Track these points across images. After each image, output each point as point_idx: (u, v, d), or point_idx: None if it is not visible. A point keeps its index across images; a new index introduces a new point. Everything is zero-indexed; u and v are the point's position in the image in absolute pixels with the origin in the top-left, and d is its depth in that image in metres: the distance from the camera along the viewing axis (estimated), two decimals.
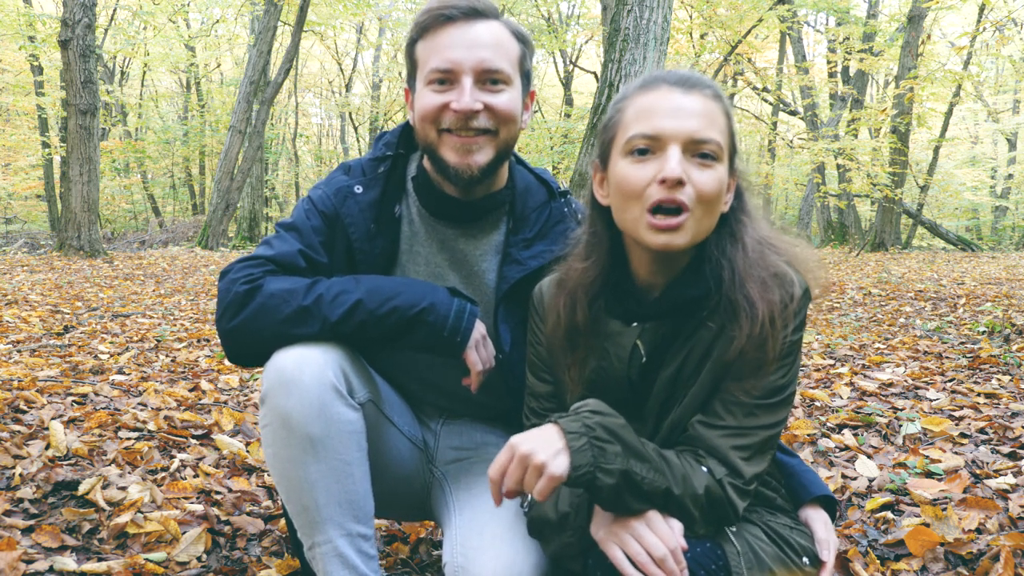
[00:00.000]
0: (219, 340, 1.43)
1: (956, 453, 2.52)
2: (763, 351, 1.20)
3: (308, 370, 1.32)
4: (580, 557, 1.24)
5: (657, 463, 1.15)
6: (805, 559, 1.27)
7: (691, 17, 18.48)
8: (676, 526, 1.14)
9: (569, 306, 1.32)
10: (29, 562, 1.76)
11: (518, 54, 1.49)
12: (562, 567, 1.32)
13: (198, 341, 4.76)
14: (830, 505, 1.43)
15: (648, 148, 1.19)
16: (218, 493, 2.26)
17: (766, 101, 22.11)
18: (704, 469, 1.20)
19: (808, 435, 2.79)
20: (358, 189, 1.54)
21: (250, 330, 1.37)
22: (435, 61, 1.44)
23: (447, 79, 1.44)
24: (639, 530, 1.13)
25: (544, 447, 1.08)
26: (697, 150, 1.18)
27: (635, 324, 1.29)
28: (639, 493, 1.13)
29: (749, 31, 17.08)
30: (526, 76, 1.53)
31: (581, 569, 1.23)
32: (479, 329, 1.46)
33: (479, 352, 1.46)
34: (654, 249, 1.20)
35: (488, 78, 1.44)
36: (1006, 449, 2.55)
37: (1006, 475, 2.29)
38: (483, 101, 1.43)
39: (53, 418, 2.74)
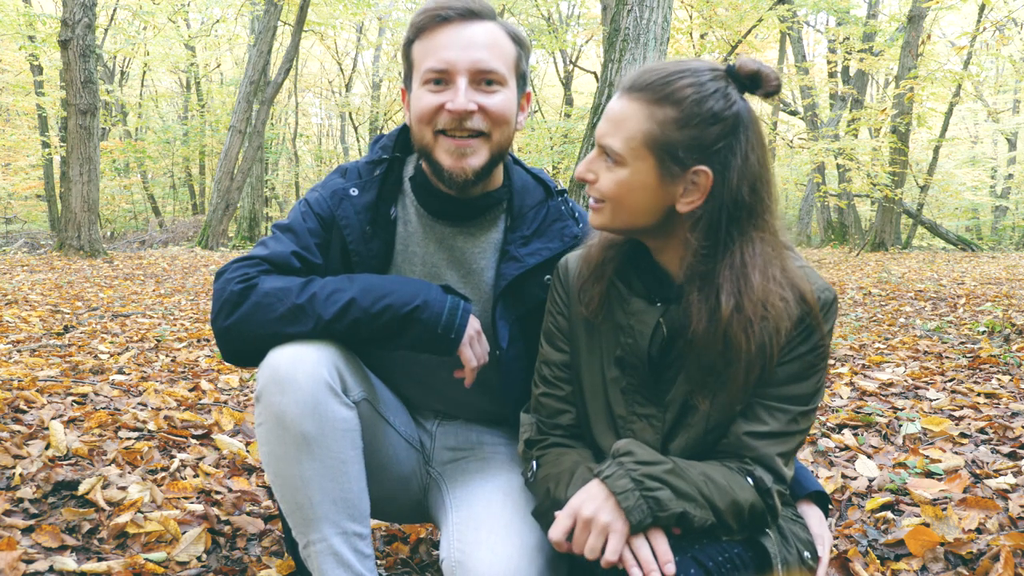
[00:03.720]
0: (214, 339, 1.43)
1: (956, 453, 2.52)
2: (765, 368, 1.23)
3: (302, 368, 1.32)
4: None
5: (706, 495, 1.17)
6: (806, 553, 1.29)
7: (691, 17, 18.49)
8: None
9: (592, 279, 1.36)
10: (29, 562, 1.76)
11: (514, 56, 1.49)
12: (570, 557, 1.32)
13: (198, 341, 4.76)
14: (822, 501, 1.44)
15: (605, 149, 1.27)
16: (218, 493, 2.26)
17: (766, 101, 22.07)
18: (750, 482, 1.23)
19: (808, 435, 2.79)
20: (353, 192, 1.55)
21: (245, 328, 1.38)
22: (430, 61, 1.44)
23: (442, 79, 1.44)
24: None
25: (603, 509, 1.14)
26: (607, 148, 1.24)
27: (659, 304, 1.31)
28: (690, 529, 1.17)
29: (749, 31, 17.08)
30: (522, 78, 1.53)
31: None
32: (473, 325, 1.46)
33: (473, 348, 1.46)
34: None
35: (483, 79, 1.44)
36: (1006, 449, 2.55)
37: (1006, 475, 2.29)
38: (477, 102, 1.43)
39: (53, 418, 2.74)
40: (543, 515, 1.32)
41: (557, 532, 1.17)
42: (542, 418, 1.44)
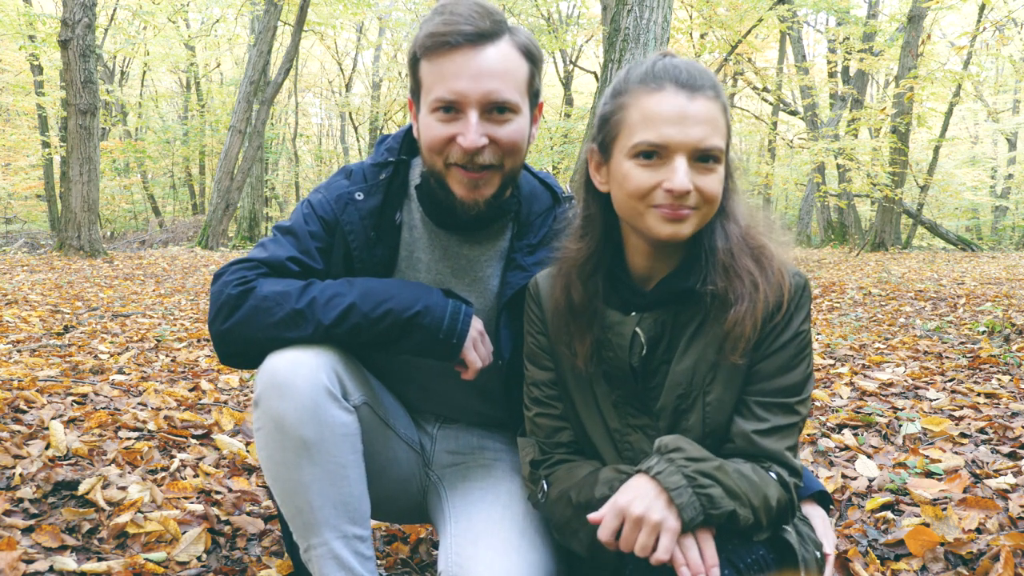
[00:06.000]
0: (211, 342, 1.42)
1: (956, 453, 2.52)
2: (753, 315, 1.24)
3: (301, 373, 1.31)
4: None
5: (745, 493, 1.16)
6: (817, 552, 1.29)
7: (691, 17, 18.47)
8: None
9: (565, 286, 1.34)
10: (29, 562, 1.76)
11: (526, 76, 1.44)
12: (596, 561, 1.30)
13: (198, 341, 4.76)
14: (824, 501, 1.44)
15: (654, 153, 1.21)
16: (218, 493, 2.26)
17: (766, 101, 22.11)
18: (773, 477, 1.22)
19: (808, 435, 2.79)
20: (359, 196, 1.52)
21: (243, 332, 1.37)
22: (439, 90, 1.38)
23: (452, 108, 1.39)
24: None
25: (653, 506, 1.11)
26: (702, 155, 1.20)
27: (633, 313, 1.31)
28: (734, 528, 1.15)
29: (749, 31, 17.06)
30: (534, 95, 1.49)
31: (620, 561, 1.22)
32: (475, 327, 1.45)
33: (477, 350, 1.45)
34: (660, 239, 1.22)
35: (495, 108, 1.39)
36: (1006, 449, 2.55)
37: (1006, 475, 2.29)
38: (489, 134, 1.39)
39: (53, 418, 2.74)
40: (566, 524, 1.30)
41: (606, 533, 1.14)
42: (541, 439, 1.41)
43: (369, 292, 1.40)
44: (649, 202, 1.21)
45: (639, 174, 1.21)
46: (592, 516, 1.16)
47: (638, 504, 1.11)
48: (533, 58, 1.45)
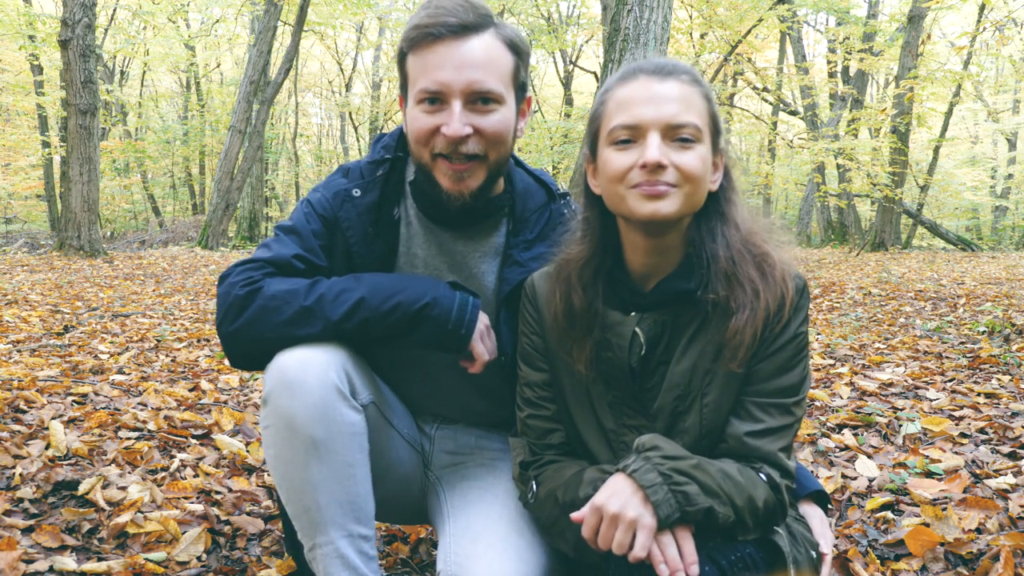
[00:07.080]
0: (220, 344, 1.42)
1: (956, 453, 2.52)
2: (754, 324, 1.24)
3: (312, 371, 1.31)
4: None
5: (727, 492, 1.17)
6: (812, 553, 1.29)
7: (691, 17, 18.48)
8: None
9: (565, 292, 1.34)
10: (29, 562, 1.76)
11: (511, 68, 1.45)
12: (584, 561, 1.31)
13: (198, 341, 4.76)
14: (822, 500, 1.44)
15: (629, 138, 1.23)
16: (218, 493, 2.26)
17: (766, 101, 22.10)
18: (763, 478, 1.22)
19: (808, 435, 2.79)
20: (356, 192, 1.53)
21: (252, 332, 1.37)
22: (424, 81, 1.40)
23: (437, 99, 1.40)
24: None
25: (629, 503, 1.12)
26: (676, 134, 1.22)
27: (633, 314, 1.31)
28: (713, 526, 1.15)
29: (749, 31, 17.07)
30: (520, 88, 1.50)
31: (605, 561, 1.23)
32: (483, 320, 1.46)
33: (484, 343, 1.46)
34: (643, 220, 1.22)
35: (479, 98, 1.40)
36: (1006, 449, 2.55)
37: (1006, 475, 2.29)
38: (473, 124, 1.40)
39: (53, 418, 2.74)
40: (553, 524, 1.31)
41: (587, 531, 1.15)
42: (532, 440, 1.42)
43: (378, 286, 1.41)
44: (628, 183, 1.22)
45: (617, 158, 1.24)
46: (574, 515, 1.17)
47: (614, 502, 1.12)
48: (518, 51, 1.47)
